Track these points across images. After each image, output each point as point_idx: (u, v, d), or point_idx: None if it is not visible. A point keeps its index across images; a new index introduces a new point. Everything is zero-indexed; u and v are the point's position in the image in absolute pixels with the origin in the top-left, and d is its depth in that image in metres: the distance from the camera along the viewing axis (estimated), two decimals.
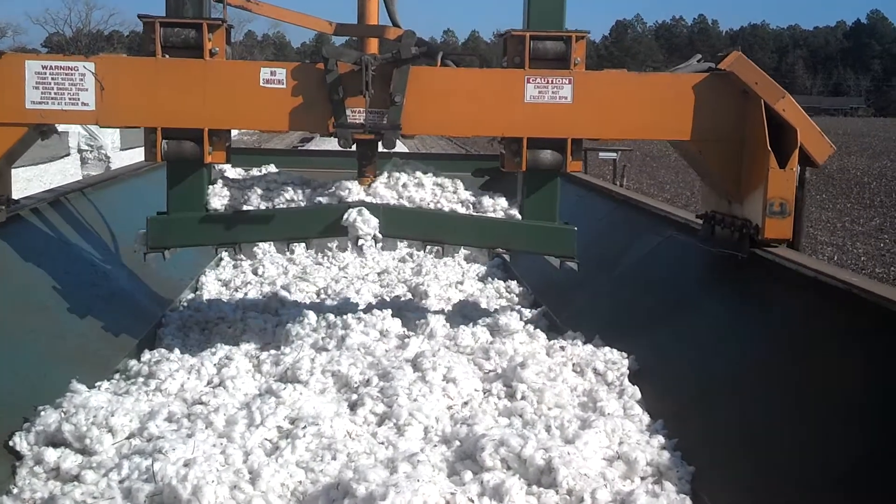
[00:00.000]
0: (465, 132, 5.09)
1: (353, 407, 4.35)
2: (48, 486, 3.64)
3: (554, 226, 5.00)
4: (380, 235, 4.80)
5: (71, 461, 3.79)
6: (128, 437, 3.97)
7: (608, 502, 3.39)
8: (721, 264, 4.95)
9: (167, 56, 4.61)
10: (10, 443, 3.86)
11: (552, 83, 4.72)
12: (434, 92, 4.75)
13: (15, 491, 3.62)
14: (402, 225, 4.94)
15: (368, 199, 4.92)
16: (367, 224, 4.74)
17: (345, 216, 4.76)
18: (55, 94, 4.59)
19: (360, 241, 4.76)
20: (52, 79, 4.58)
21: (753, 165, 4.73)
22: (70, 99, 4.59)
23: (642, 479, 3.72)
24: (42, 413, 4.02)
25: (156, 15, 4.61)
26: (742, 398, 3.95)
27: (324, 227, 4.88)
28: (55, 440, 3.91)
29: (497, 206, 5.07)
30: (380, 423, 4.21)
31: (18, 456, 3.83)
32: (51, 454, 3.81)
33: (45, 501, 3.50)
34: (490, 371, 4.87)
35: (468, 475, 3.57)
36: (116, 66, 4.64)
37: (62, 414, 4.02)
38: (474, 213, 5.07)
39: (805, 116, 4.66)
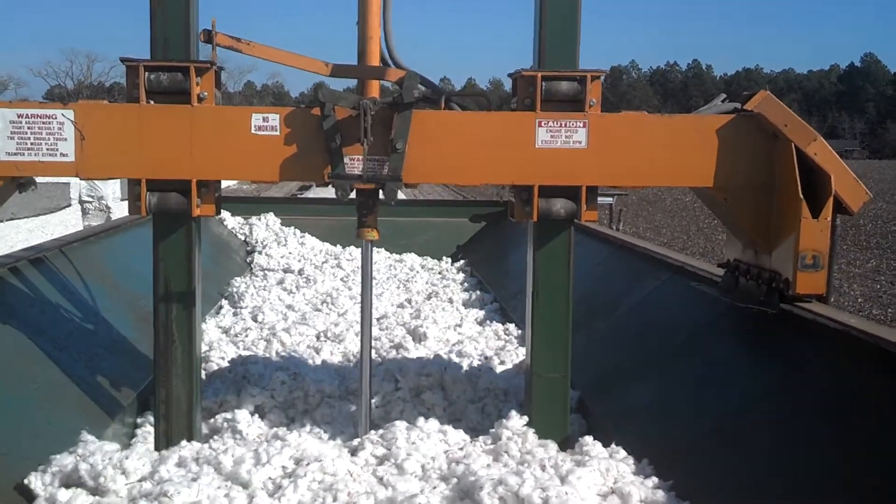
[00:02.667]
0: (472, 180, 4.62)
1: (353, 452, 4.45)
2: None
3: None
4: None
5: (82, 501, 3.84)
6: (139, 480, 4.03)
7: None
8: (740, 314, 4.77)
9: (152, 102, 4.33)
10: (26, 481, 3.94)
11: (565, 126, 4.41)
12: (438, 137, 4.44)
13: None
14: None
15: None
16: None
17: None
18: (32, 144, 4.30)
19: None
20: (29, 128, 4.30)
21: (784, 214, 4.39)
22: (48, 149, 4.30)
23: None
24: (58, 456, 4.10)
25: (139, 58, 4.34)
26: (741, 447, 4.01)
27: None
28: (69, 481, 3.99)
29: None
30: (380, 463, 4.31)
31: (31, 497, 3.89)
32: (64, 494, 3.87)
33: None
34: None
35: None
36: (97, 114, 4.33)
37: (78, 456, 4.12)
38: None
39: (839, 161, 4.34)
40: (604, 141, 4.42)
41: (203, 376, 6.00)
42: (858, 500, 3.13)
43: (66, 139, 4.30)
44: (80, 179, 4.29)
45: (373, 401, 4.82)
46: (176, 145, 4.33)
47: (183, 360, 4.62)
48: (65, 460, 4.08)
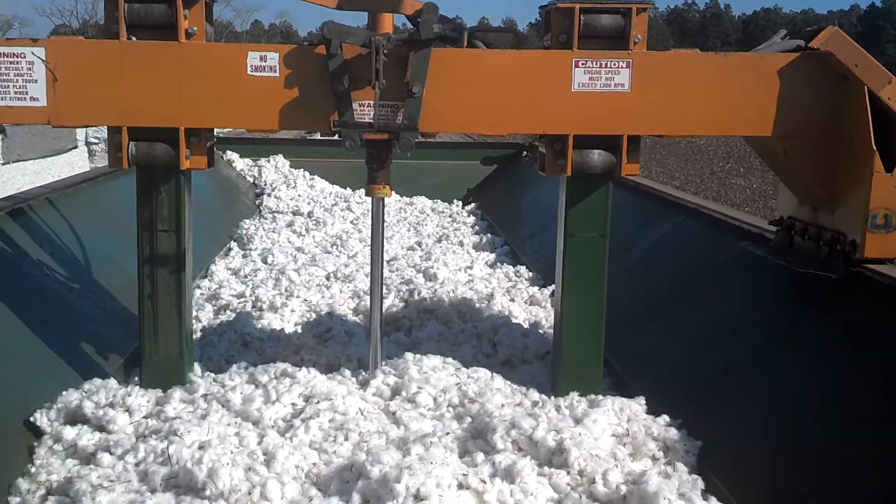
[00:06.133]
0: (498, 129, 4.13)
1: (363, 385, 4.44)
2: (66, 467, 3.66)
3: None
4: None
5: (87, 439, 3.82)
6: (144, 417, 4.01)
7: (620, 483, 3.39)
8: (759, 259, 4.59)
9: (133, 38, 3.84)
10: (32, 418, 3.90)
11: (606, 67, 3.89)
12: (461, 80, 3.93)
13: (32, 471, 3.64)
14: None
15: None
16: None
17: None
18: None
19: None
20: None
21: (852, 167, 3.91)
22: (16, 93, 3.82)
23: (653, 458, 3.74)
24: (64, 392, 4.06)
25: None
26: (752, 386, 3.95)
27: None
28: (75, 418, 3.96)
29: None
30: (391, 398, 4.30)
31: (38, 434, 3.87)
32: (69, 431, 3.85)
33: (61, 484, 3.52)
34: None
35: (480, 456, 3.60)
36: (72, 52, 3.82)
37: (83, 393, 4.08)
38: None
39: None
40: (650, 83, 3.92)
41: (211, 312, 5.99)
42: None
43: (36, 81, 3.82)
44: (53, 126, 3.94)
45: (383, 338, 4.77)
46: (161, 88, 3.86)
47: (170, 338, 4.30)
48: (70, 397, 4.06)
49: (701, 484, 3.37)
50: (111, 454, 3.69)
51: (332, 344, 5.17)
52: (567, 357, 4.39)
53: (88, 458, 3.73)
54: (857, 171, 3.86)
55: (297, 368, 4.45)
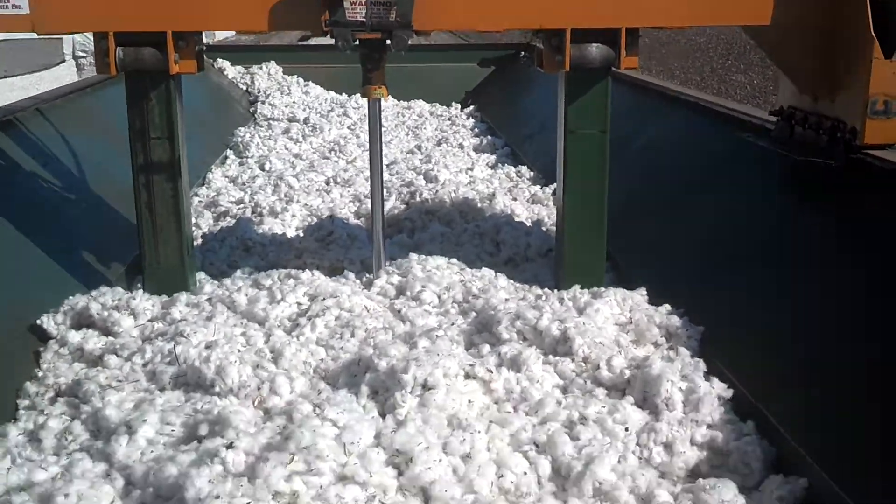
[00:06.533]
0: (494, 25, 4.05)
1: (368, 286, 4.47)
2: (73, 370, 3.70)
3: None
4: None
5: (94, 342, 3.86)
6: (150, 320, 4.04)
7: (623, 368, 3.44)
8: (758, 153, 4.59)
9: None
10: (39, 321, 3.94)
11: None
12: None
13: (39, 374, 3.67)
14: None
15: None
16: None
17: None
18: None
19: None
20: None
21: (850, 55, 3.84)
22: None
23: (656, 344, 3.79)
24: (70, 297, 4.10)
25: None
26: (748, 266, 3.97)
27: None
28: (81, 321, 4.01)
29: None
30: (396, 297, 4.34)
31: (44, 338, 3.91)
32: (75, 334, 3.89)
33: (69, 386, 3.56)
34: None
35: (486, 348, 3.64)
36: None
37: (90, 297, 4.12)
38: None
39: None
40: None
41: (210, 219, 6.00)
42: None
43: None
44: (38, 35, 3.85)
45: (386, 240, 4.78)
46: None
47: (170, 246, 4.31)
48: (76, 300, 4.10)
49: (703, 367, 3.43)
50: (118, 356, 3.72)
51: (334, 247, 5.18)
52: (569, 252, 4.42)
53: (95, 361, 3.77)
54: (857, 59, 3.80)
55: (301, 271, 4.47)
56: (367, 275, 4.63)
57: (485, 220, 5.59)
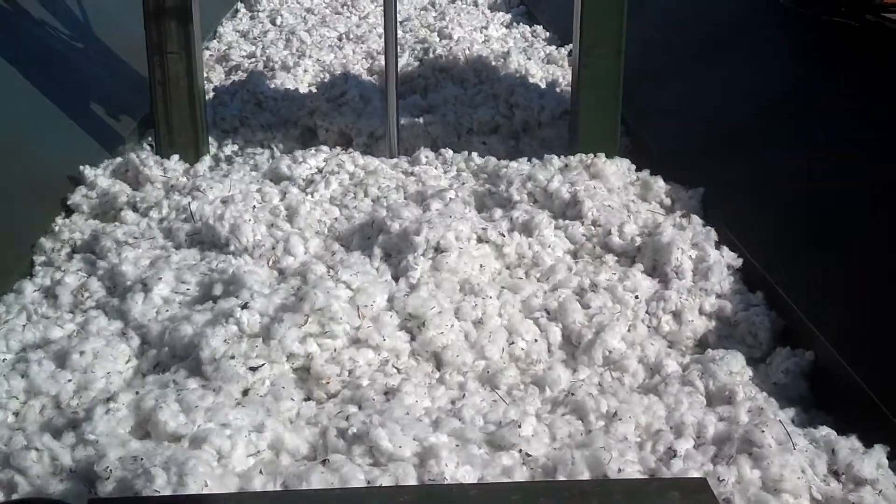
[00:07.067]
0: None
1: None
2: (89, 225, 3.72)
3: None
4: None
5: (121, 186, 3.93)
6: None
7: (635, 235, 3.46)
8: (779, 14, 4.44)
9: None
10: (79, 168, 4.00)
11: None
12: None
13: (56, 230, 3.68)
14: None
15: None
16: None
17: None
18: None
19: None
20: None
21: None
22: None
23: (661, 204, 3.83)
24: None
25: None
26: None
27: None
28: (116, 175, 4.09)
29: None
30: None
31: (77, 182, 3.97)
32: (106, 180, 3.96)
33: (85, 241, 3.57)
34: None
35: (498, 212, 3.64)
36: None
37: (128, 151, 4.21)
38: None
39: None
40: None
41: (222, 73, 5.92)
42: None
43: None
44: None
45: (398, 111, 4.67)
46: None
47: (181, 78, 4.25)
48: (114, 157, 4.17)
49: (714, 235, 3.42)
50: (135, 211, 3.75)
51: (346, 111, 5.06)
52: (584, 118, 4.36)
53: (114, 216, 3.78)
54: None
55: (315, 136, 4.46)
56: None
57: (499, 80, 5.49)
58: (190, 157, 4.28)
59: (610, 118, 4.37)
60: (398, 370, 2.69)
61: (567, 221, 3.57)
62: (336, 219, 3.68)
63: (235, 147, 4.42)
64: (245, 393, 2.50)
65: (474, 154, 4.30)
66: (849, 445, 2.28)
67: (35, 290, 3.22)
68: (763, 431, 2.27)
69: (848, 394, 2.60)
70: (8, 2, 4.78)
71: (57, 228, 3.69)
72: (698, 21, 5.35)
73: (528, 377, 2.76)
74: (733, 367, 2.71)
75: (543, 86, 5.42)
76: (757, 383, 2.73)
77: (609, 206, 3.60)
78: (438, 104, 5.18)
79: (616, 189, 3.84)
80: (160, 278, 3.04)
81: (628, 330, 2.89)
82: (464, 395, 2.57)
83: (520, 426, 2.33)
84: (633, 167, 4.08)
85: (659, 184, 3.94)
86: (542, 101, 5.09)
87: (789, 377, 2.74)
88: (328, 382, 2.60)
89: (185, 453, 2.14)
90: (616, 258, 3.42)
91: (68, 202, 3.86)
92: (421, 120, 4.76)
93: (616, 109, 4.36)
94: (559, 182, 3.72)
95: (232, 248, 3.39)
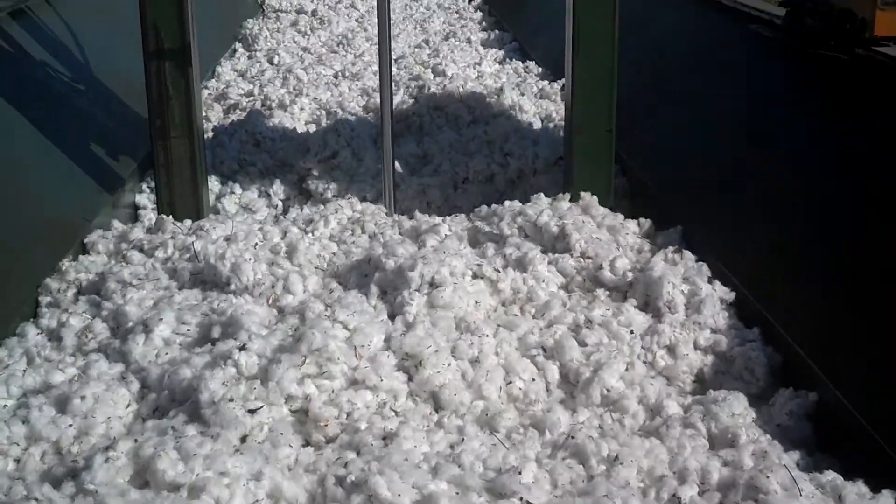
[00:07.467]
0: None
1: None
2: (96, 266, 3.76)
3: None
4: None
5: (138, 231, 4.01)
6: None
7: (627, 270, 3.48)
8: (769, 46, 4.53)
9: None
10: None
11: None
12: None
13: (63, 269, 3.69)
14: None
15: None
16: None
17: None
18: None
19: None
20: None
21: None
22: None
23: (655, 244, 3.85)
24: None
25: None
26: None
27: None
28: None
29: None
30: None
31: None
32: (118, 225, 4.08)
33: (91, 282, 3.60)
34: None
35: (491, 249, 3.67)
36: None
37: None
38: None
39: None
40: None
41: (220, 112, 5.97)
42: None
43: None
44: None
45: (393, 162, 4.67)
46: None
47: (181, 117, 4.23)
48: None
49: (707, 270, 3.43)
50: (141, 252, 3.80)
51: (339, 175, 5.03)
52: (578, 161, 4.32)
53: (123, 256, 3.82)
54: None
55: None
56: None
57: (493, 117, 5.49)
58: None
59: (603, 171, 4.31)
60: (396, 413, 2.69)
61: (557, 255, 3.62)
62: (334, 253, 3.74)
63: (235, 197, 4.49)
64: (243, 439, 2.50)
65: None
66: (856, 491, 2.26)
67: (38, 334, 3.24)
68: (768, 477, 2.25)
69: (853, 436, 2.56)
70: (12, 46, 4.84)
71: (64, 268, 3.70)
72: (689, 54, 5.41)
73: (526, 418, 2.75)
74: (735, 409, 2.68)
75: (538, 124, 5.47)
76: (760, 425, 2.69)
77: (597, 238, 3.66)
78: (433, 152, 5.17)
79: (604, 223, 3.90)
80: (161, 319, 3.07)
81: (626, 369, 2.90)
82: (462, 438, 2.56)
83: (520, 472, 2.32)
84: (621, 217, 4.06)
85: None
86: (537, 148, 5.06)
87: (793, 419, 2.71)
88: (326, 425, 2.60)
89: None
90: (608, 292, 3.45)
91: (84, 240, 3.91)
92: (416, 182, 4.82)
93: (609, 156, 4.32)
94: (548, 216, 3.79)
95: (233, 287, 3.42)
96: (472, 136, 5.34)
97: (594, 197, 4.10)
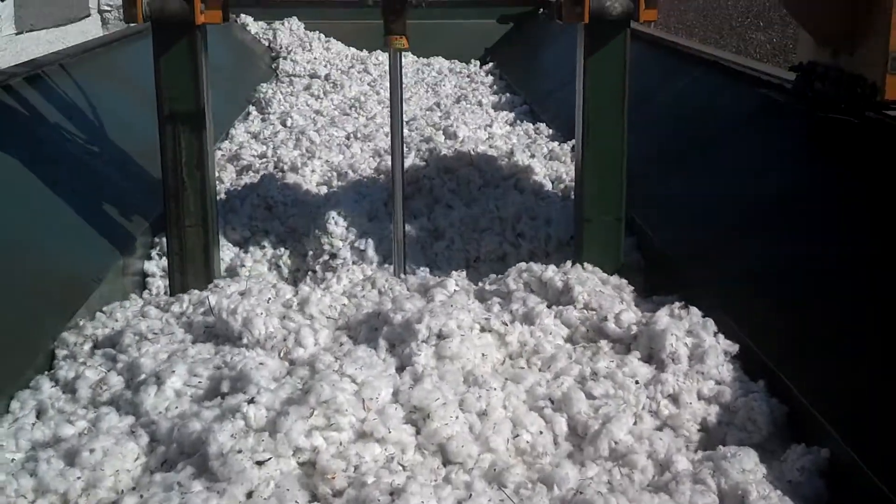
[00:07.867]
0: None
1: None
2: (113, 319, 3.83)
3: None
4: None
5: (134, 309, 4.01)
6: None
7: (631, 323, 3.51)
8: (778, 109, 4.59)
9: None
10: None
11: None
12: None
13: (80, 323, 3.75)
14: None
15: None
16: None
17: None
18: None
19: None
20: None
21: (871, 8, 3.77)
22: None
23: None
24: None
25: None
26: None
27: None
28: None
29: None
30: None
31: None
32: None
33: (107, 336, 3.66)
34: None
35: (496, 307, 3.71)
36: None
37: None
38: None
39: None
40: None
41: (233, 173, 6.06)
42: None
43: None
44: None
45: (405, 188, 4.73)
46: None
47: (195, 201, 4.24)
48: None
49: (713, 325, 3.43)
50: (158, 308, 3.88)
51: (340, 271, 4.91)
52: (587, 247, 4.35)
53: (139, 312, 3.90)
54: (877, 11, 3.74)
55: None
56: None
57: (504, 196, 5.43)
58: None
59: (611, 257, 4.32)
60: (403, 467, 2.69)
61: (561, 307, 3.69)
62: (345, 305, 3.81)
63: (245, 270, 4.59)
64: (249, 495, 2.50)
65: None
66: None
67: (52, 386, 3.28)
68: None
69: (866, 495, 2.52)
70: (26, 107, 4.95)
71: (82, 323, 3.76)
72: (698, 118, 5.49)
73: (534, 472, 2.74)
74: (746, 465, 2.65)
75: (548, 185, 5.52)
76: (770, 481, 2.65)
77: (600, 291, 3.72)
78: (444, 228, 5.15)
79: (609, 282, 3.97)
80: (174, 371, 3.11)
81: (635, 423, 2.91)
82: (470, 494, 2.54)
83: None
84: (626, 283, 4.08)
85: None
86: (549, 228, 5.01)
87: (804, 475, 2.68)
88: (334, 478, 2.61)
89: None
90: (611, 345, 3.49)
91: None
92: (427, 259, 4.87)
93: (617, 260, 4.34)
94: (553, 272, 3.89)
95: (245, 340, 3.47)
96: (483, 210, 5.24)
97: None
